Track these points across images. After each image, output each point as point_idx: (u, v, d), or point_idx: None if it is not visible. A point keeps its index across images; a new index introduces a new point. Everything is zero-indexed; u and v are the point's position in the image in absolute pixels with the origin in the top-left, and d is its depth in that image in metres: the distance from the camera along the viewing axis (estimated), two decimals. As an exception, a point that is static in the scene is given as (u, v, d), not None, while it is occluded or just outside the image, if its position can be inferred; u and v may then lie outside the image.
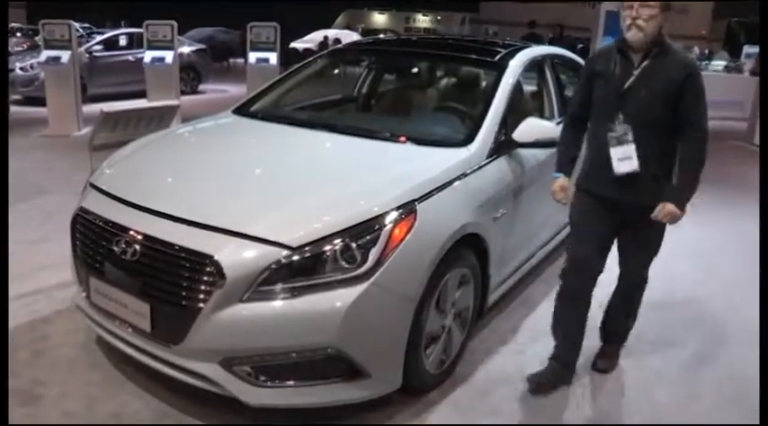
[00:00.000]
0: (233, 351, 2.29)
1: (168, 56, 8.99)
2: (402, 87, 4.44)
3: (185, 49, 13.75)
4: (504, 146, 3.18)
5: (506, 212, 3.10)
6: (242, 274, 2.23)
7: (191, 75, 13.93)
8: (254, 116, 3.65)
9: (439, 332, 2.78)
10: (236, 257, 2.25)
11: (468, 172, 2.88)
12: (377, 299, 2.31)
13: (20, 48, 15.70)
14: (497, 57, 3.69)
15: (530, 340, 3.41)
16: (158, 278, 2.36)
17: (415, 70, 4.55)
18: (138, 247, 2.41)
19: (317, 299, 2.25)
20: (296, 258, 2.26)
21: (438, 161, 2.87)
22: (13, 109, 10.51)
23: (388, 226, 2.38)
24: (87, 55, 11.68)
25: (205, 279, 2.25)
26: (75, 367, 2.90)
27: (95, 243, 2.60)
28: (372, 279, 2.29)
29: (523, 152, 3.30)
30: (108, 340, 2.69)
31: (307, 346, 2.27)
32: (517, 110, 3.50)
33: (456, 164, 2.87)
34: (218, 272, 2.22)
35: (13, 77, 11.02)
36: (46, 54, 8.51)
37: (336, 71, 5.01)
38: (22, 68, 11.11)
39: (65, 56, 8.41)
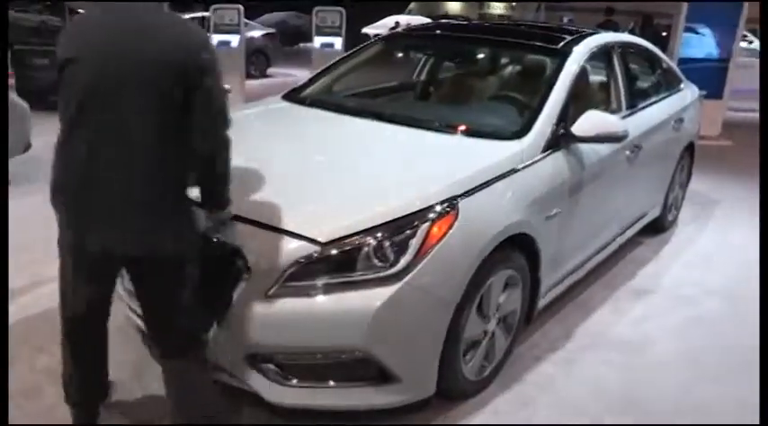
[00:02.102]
0: (257, 347, 2.19)
1: (234, 40, 9.05)
2: (459, 75, 4.25)
3: (255, 33, 13.90)
4: (561, 139, 2.95)
5: (561, 211, 2.88)
6: (268, 268, 2.13)
7: (260, 58, 14.07)
8: (302, 102, 3.55)
9: (480, 337, 2.61)
10: (263, 250, 2.15)
11: (518, 167, 2.68)
12: (410, 302, 2.17)
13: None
14: (561, 43, 3.44)
15: (582, 348, 3.18)
16: (185, 267, 2.29)
17: (475, 57, 4.33)
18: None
19: (345, 299, 2.12)
20: (325, 254, 2.14)
21: (487, 154, 2.68)
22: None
23: (426, 224, 2.22)
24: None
25: (231, 271, 2.16)
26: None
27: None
28: (406, 279, 2.14)
29: (584, 147, 3.06)
30: (139, 325, 2.65)
31: (333, 347, 2.15)
32: (580, 101, 3.25)
33: (506, 159, 2.67)
34: (244, 265, 2.13)
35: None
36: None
37: (396, 56, 4.86)
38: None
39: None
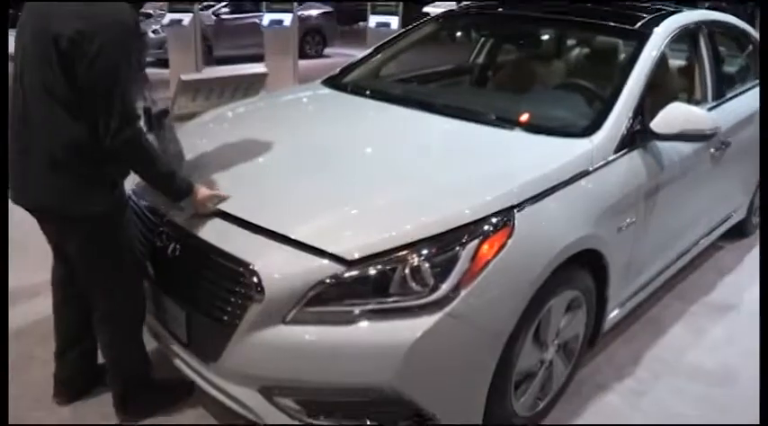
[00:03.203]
0: (272, 380, 1.89)
1: (287, 19, 8.74)
2: (521, 59, 3.82)
3: (312, 12, 13.62)
4: (637, 137, 2.52)
5: (635, 220, 2.47)
6: (285, 290, 1.81)
7: (316, 38, 13.80)
8: (343, 88, 3.21)
9: (536, 368, 2.25)
10: (280, 268, 1.84)
11: (588, 170, 2.28)
12: (452, 334, 1.82)
13: (162, 12, 16.29)
14: (639, 23, 2.98)
15: (653, 375, 2.77)
16: (195, 282, 2.02)
17: (539, 38, 3.88)
18: (178, 243, 2.08)
19: (375, 329, 1.79)
20: (353, 275, 1.81)
21: (550, 155, 2.29)
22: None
23: (475, 242, 1.86)
24: (214, 17, 11.81)
25: (242, 291, 1.86)
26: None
27: (141, 231, 2.29)
28: (448, 308, 1.79)
29: (663, 145, 2.62)
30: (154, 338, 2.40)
31: (359, 384, 1.83)
32: (659, 91, 2.81)
33: (573, 160, 2.27)
34: (257, 285, 1.82)
35: (147, 40, 11.37)
36: (169, 17, 8.55)
37: (453, 37, 4.47)
38: (153, 31, 11.43)
39: (186, 18, 8.40)
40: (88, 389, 2.46)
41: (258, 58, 10.85)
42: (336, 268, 1.80)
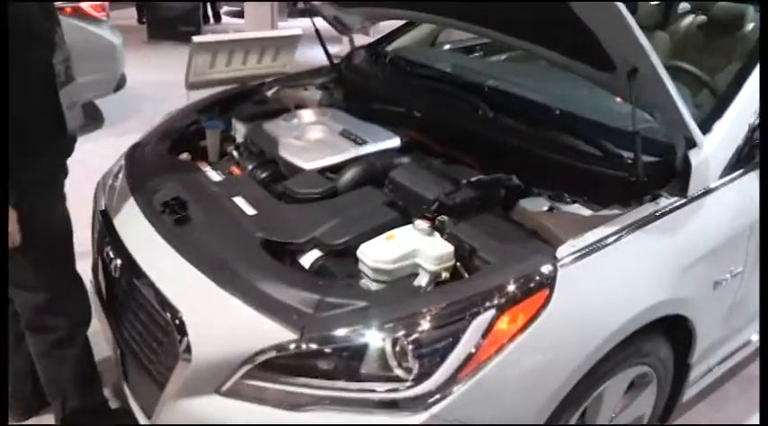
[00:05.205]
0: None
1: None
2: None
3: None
4: (758, 153, 1.80)
5: (742, 270, 1.78)
6: (219, 354, 1.32)
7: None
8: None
9: (576, 459, 1.67)
10: (217, 325, 1.35)
11: (677, 203, 1.61)
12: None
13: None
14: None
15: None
16: (127, 317, 1.57)
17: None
18: (119, 264, 1.62)
19: (329, 422, 1.27)
20: (308, 347, 1.28)
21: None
22: (225, 20, 10.54)
23: (487, 314, 1.28)
24: (303, -37, 11.32)
25: (168, 343, 1.39)
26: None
27: (98, 233, 1.86)
28: (435, 409, 1.24)
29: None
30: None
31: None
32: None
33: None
34: (184, 341, 1.34)
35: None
36: (248, -39, 8.12)
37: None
38: (237, -22, 11.12)
39: (264, -37, 7.94)
40: (44, 403, 2.11)
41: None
42: (288, 336, 1.28)
